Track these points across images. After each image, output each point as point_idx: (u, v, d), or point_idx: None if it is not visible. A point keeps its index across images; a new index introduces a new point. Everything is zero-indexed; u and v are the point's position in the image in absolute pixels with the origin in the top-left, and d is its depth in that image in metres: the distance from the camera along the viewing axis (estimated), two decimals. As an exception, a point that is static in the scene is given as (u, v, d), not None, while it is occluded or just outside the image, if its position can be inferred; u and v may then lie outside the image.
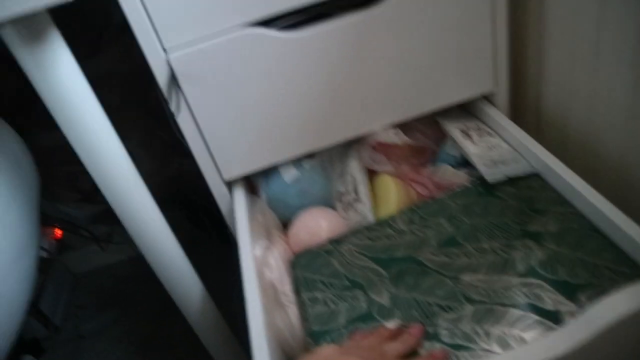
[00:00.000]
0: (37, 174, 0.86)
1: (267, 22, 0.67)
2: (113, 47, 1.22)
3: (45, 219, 1.19)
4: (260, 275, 0.64)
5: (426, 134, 0.81)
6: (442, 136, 0.81)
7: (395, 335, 0.55)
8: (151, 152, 1.39)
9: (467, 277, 0.60)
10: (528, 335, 0.52)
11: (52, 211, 1.27)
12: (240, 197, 0.77)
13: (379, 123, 0.77)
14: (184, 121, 0.70)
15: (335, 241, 0.70)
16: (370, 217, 0.73)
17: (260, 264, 0.66)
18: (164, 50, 0.65)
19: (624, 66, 0.65)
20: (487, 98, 0.82)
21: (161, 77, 0.67)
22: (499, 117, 0.79)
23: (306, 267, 0.68)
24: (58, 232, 1.32)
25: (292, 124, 0.74)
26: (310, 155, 0.79)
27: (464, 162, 0.77)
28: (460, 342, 0.54)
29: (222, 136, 0.73)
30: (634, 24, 0.60)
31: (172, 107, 0.67)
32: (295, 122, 0.74)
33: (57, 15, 0.60)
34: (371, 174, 0.80)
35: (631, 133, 0.68)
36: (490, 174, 0.69)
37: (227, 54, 0.66)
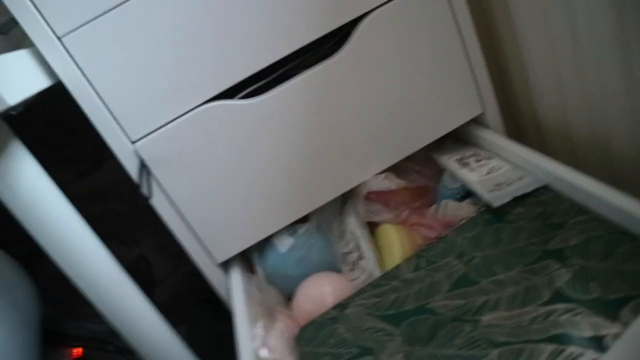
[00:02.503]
0: (36, 298, 0.84)
1: (228, 93, 0.66)
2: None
3: (67, 339, 1.15)
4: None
5: (423, 173, 0.76)
6: (439, 172, 0.75)
7: None
8: (166, 252, 1.38)
9: (487, 318, 0.51)
10: (568, 373, 0.43)
11: (75, 330, 1.23)
12: (236, 277, 0.71)
13: (370, 172, 0.72)
14: (160, 206, 0.67)
15: (340, 305, 0.63)
16: (377, 272, 0.66)
17: (259, 346, 0.59)
18: (132, 142, 0.64)
19: (609, 56, 0.59)
20: (479, 122, 0.77)
21: (131, 167, 0.65)
22: (494, 138, 0.72)
23: (311, 340, 0.61)
24: (77, 352, 1.27)
25: (277, 191, 0.70)
26: (304, 219, 0.74)
27: (468, 193, 0.70)
28: (490, 396, 0.45)
29: (207, 217, 0.69)
30: (610, 11, 0.56)
31: (144, 191, 0.64)
32: (281, 188, 0.70)
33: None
34: (374, 227, 0.73)
35: (636, 122, 0.60)
36: (495, 198, 0.62)
37: (191, 132, 0.64)
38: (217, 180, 0.68)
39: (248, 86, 0.66)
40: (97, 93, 0.61)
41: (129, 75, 0.61)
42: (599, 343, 0.43)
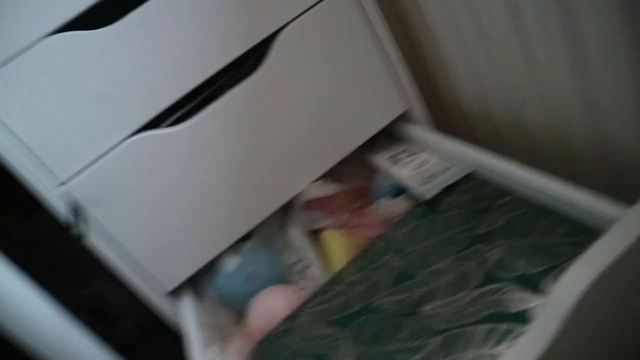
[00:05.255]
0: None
1: (154, 123, 0.66)
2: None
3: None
4: (216, 382, 0.58)
5: (358, 174, 0.77)
6: (374, 171, 0.77)
7: None
8: (123, 284, 1.34)
9: (426, 308, 0.53)
10: (500, 349, 0.45)
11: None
12: (187, 304, 0.71)
13: (306, 181, 0.74)
14: (100, 244, 0.66)
15: (291, 317, 0.64)
16: (324, 279, 0.67)
17: (214, 369, 0.59)
18: (62, 183, 0.63)
19: (510, 45, 0.63)
20: (408, 118, 0.79)
21: (64, 208, 0.64)
22: (422, 132, 0.75)
23: (267, 355, 0.61)
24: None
25: (218, 212, 0.70)
26: (248, 236, 0.74)
27: (403, 189, 0.72)
28: (434, 383, 0.46)
29: (151, 248, 0.69)
30: (504, 5, 0.59)
31: (77, 231, 0.63)
32: (221, 209, 0.70)
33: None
34: (317, 233, 0.75)
35: (546, 100, 0.64)
36: (425, 191, 0.65)
37: (122, 166, 0.64)
38: (156, 211, 0.67)
39: (173, 113, 0.67)
40: (15, 136, 0.59)
41: (49, 115, 0.60)
42: (526, 316, 0.46)
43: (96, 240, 0.66)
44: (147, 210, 0.67)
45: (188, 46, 0.63)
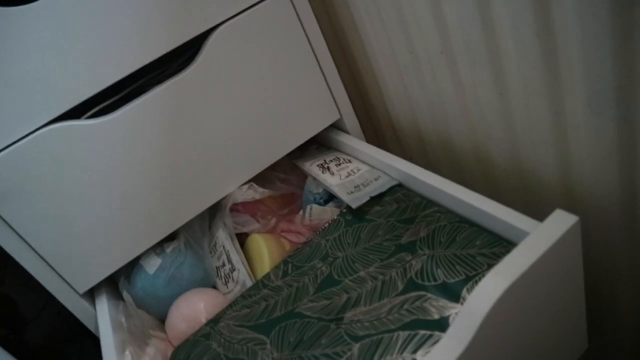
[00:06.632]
0: None
1: (73, 113, 0.62)
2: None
3: None
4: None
5: (288, 180, 0.77)
6: (303, 178, 0.77)
7: None
8: (34, 287, 1.25)
9: (349, 314, 0.53)
10: (419, 356, 0.46)
11: None
12: (102, 306, 0.67)
13: (234, 184, 0.72)
14: (5, 242, 0.61)
15: (213, 321, 0.62)
16: (249, 283, 0.67)
17: (128, 376, 0.56)
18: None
19: (440, 66, 0.65)
20: (339, 127, 0.80)
21: (-35, 201, 0.59)
22: (352, 141, 0.76)
23: (184, 361, 0.59)
24: None
25: (138, 211, 0.67)
26: (172, 237, 0.72)
27: (331, 196, 0.73)
28: (353, 389, 0.47)
29: (61, 247, 0.64)
30: (435, 29, 0.61)
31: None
32: (142, 208, 0.67)
33: None
34: (245, 237, 0.74)
35: (470, 120, 0.67)
36: (353, 199, 0.66)
37: (33, 157, 0.59)
38: (68, 207, 0.63)
39: (96, 104, 0.63)
40: None
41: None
42: (444, 323, 0.48)
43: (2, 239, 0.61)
44: (59, 207, 0.62)
45: (117, 35, 0.60)
